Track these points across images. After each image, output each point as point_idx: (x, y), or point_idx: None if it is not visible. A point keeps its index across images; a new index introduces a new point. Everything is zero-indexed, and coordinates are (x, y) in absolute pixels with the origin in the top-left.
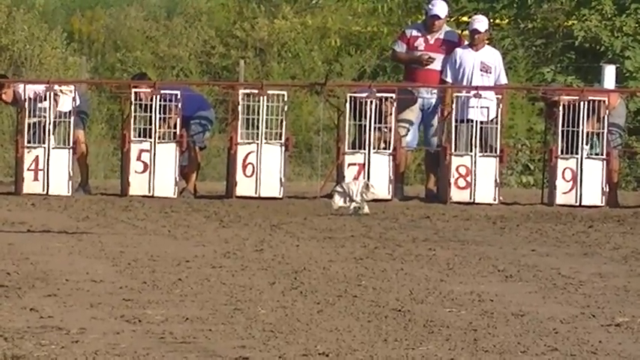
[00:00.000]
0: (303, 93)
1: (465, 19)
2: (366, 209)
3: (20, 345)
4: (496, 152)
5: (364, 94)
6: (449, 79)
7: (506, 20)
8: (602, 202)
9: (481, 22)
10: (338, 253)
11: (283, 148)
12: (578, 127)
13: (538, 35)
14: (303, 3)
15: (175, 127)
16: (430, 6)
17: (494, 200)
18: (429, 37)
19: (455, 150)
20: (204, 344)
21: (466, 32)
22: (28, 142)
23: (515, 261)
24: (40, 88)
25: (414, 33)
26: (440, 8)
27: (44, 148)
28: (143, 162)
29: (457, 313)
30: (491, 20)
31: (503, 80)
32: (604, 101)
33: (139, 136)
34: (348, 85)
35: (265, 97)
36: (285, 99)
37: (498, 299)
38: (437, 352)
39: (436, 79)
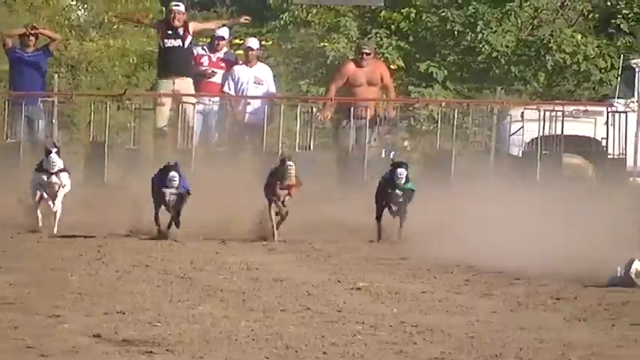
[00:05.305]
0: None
1: (237, 41)
2: None
3: None
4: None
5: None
6: (231, 92)
7: (271, 42)
8: None
9: (253, 42)
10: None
11: None
12: None
13: (297, 54)
14: (107, 28)
15: None
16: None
17: None
18: (211, 55)
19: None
20: (23, 305)
21: (240, 52)
22: None
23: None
24: None
25: (200, 51)
26: (225, 31)
27: None
28: None
29: (230, 279)
30: (261, 42)
31: (273, 90)
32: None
33: None
34: (143, 95)
35: None
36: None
37: (263, 267)
38: (212, 311)
39: (217, 90)
